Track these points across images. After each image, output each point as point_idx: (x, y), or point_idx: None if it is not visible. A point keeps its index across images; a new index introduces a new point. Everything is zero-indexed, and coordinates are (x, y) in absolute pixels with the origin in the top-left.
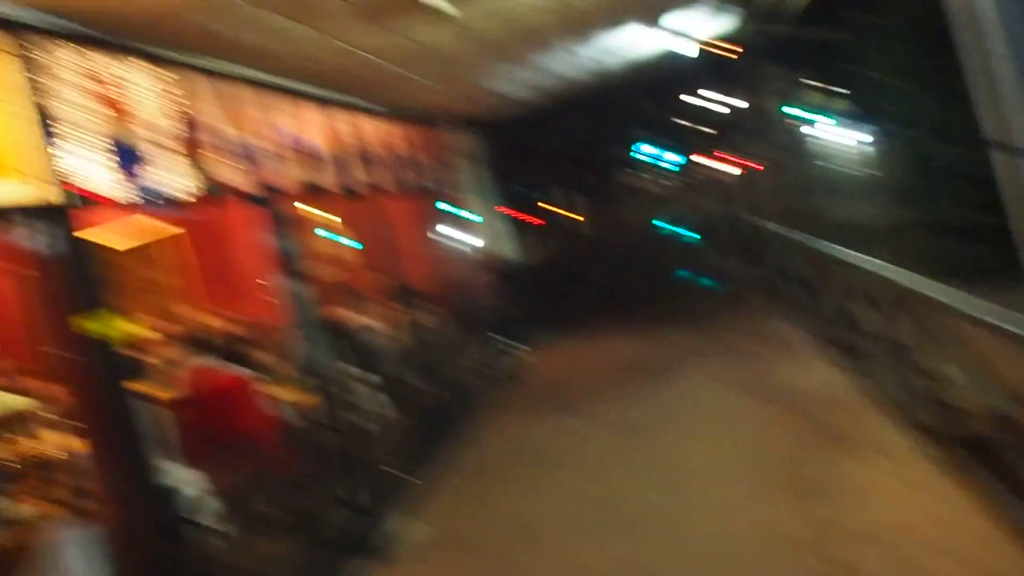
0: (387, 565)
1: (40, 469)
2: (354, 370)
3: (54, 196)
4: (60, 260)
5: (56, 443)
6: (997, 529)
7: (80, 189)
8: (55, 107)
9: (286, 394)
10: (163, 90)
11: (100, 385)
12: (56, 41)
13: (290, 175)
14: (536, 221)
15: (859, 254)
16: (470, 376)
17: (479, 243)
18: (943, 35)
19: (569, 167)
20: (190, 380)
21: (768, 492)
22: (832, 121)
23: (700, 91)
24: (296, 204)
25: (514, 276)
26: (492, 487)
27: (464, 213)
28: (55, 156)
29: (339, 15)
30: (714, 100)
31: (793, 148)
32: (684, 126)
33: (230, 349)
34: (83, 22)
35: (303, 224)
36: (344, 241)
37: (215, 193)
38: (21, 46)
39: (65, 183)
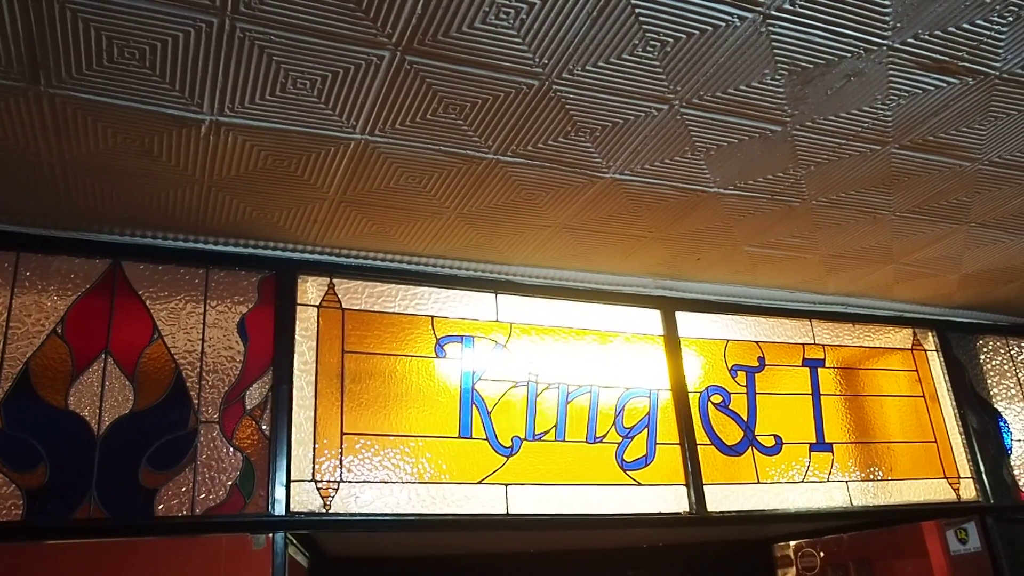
0: None
1: None
2: None
3: (972, 494)
4: (980, 558)
5: None
6: None
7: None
8: (974, 400)
9: None
10: None
11: None
12: (981, 335)
13: None
14: None
15: None
16: None
17: None
18: None
19: None
20: None
21: None
22: None
23: None
24: None
25: None
26: None
27: None
28: (974, 452)
29: None
30: None
31: None
32: None
33: None
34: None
35: None
36: None
37: None
38: (941, 341)
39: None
